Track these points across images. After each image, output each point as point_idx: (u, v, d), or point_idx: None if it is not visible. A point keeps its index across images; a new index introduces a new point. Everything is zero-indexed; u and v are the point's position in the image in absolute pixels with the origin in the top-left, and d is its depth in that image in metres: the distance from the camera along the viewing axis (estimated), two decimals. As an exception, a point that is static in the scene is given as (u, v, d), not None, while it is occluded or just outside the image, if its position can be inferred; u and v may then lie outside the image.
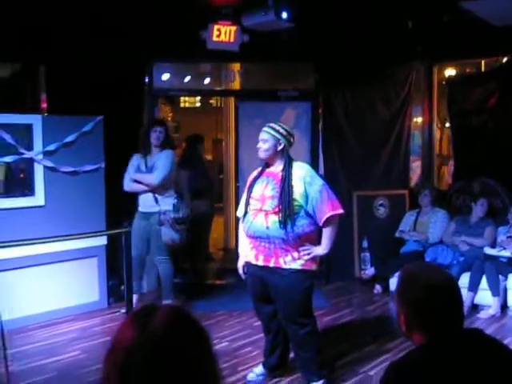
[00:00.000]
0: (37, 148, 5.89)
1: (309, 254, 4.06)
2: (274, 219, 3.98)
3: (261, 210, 4.05)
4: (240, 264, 4.38)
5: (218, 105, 13.15)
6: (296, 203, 3.99)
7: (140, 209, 6.07)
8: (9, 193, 5.83)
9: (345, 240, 7.47)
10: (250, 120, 7.34)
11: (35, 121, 5.93)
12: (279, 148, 4.11)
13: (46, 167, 5.92)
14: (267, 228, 3.99)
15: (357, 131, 7.57)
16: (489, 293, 6.09)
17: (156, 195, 5.89)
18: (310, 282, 4.17)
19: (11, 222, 5.65)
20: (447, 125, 8.31)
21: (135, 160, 6.04)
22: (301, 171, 4.09)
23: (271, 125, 4.20)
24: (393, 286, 6.78)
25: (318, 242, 4.18)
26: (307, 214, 4.04)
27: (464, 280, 6.18)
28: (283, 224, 3.94)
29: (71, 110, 6.03)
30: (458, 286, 2.07)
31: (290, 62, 7.40)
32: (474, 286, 6.17)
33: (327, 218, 4.02)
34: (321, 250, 4.13)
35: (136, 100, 7.01)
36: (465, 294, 5.96)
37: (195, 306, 6.13)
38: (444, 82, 8.12)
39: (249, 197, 4.17)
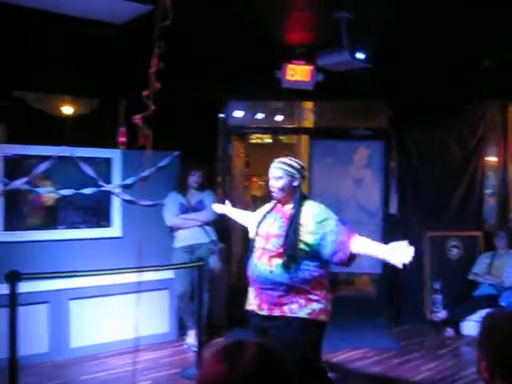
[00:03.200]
0: (115, 181, 6.12)
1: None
2: (277, 262, 3.61)
3: (264, 249, 3.69)
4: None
5: (289, 141, 13.23)
6: (303, 245, 3.61)
7: (182, 243, 6.20)
8: (87, 223, 6.06)
9: (416, 281, 7.37)
10: (322, 158, 7.39)
11: (115, 155, 6.18)
12: (295, 184, 3.77)
13: (123, 200, 6.13)
14: (270, 272, 3.63)
15: (430, 170, 7.47)
16: None
17: (204, 227, 6.13)
18: (317, 335, 3.71)
19: (88, 252, 5.87)
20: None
21: (174, 198, 6.23)
22: (313, 209, 3.71)
23: (282, 160, 3.84)
24: (466, 330, 6.61)
25: (330, 287, 3.83)
26: (315, 256, 3.65)
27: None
28: (286, 267, 3.57)
29: (147, 144, 6.21)
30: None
31: (363, 101, 7.41)
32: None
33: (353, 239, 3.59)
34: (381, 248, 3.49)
35: (211, 137, 7.16)
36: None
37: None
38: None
39: (256, 233, 3.83)
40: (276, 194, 3.78)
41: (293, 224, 3.63)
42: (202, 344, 5.53)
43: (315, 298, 3.66)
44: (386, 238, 7.45)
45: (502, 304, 6.52)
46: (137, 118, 3.23)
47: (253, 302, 3.80)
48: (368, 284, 8.23)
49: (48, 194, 5.79)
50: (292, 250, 3.57)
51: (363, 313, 7.08)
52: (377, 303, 7.55)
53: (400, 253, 3.33)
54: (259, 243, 3.74)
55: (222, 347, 1.40)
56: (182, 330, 6.50)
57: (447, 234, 7.48)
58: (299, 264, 3.60)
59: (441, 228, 7.44)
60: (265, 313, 3.70)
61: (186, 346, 6.21)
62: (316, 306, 3.64)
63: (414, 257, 3.31)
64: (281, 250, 3.60)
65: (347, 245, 3.58)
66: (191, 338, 6.17)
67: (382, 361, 5.88)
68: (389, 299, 7.50)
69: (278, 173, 3.76)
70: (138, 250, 3.52)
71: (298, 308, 3.63)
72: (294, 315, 3.62)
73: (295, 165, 3.81)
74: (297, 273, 3.59)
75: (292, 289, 3.62)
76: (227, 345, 1.39)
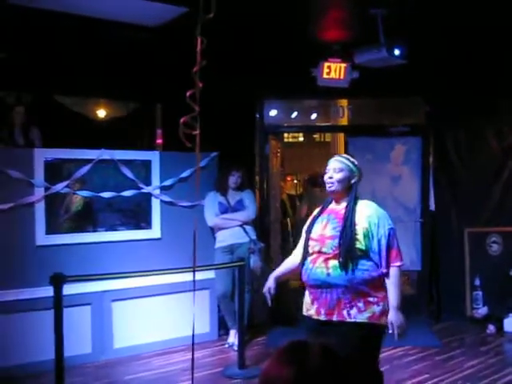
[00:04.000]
0: (154, 183, 6.17)
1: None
2: (334, 264, 3.47)
3: (320, 252, 3.54)
4: (268, 282, 3.95)
5: (321, 139, 13.22)
6: (359, 244, 3.47)
7: (222, 244, 6.24)
8: (127, 225, 6.13)
9: (456, 278, 7.32)
10: (359, 155, 7.34)
11: (153, 157, 6.22)
12: (352, 181, 3.64)
13: (162, 201, 6.18)
14: (328, 275, 3.47)
15: (468, 166, 7.39)
16: None
17: (244, 227, 6.14)
18: (378, 340, 3.55)
19: (128, 254, 5.95)
20: None
21: (214, 198, 6.27)
22: (367, 209, 3.57)
23: (344, 155, 3.81)
24: (508, 327, 6.53)
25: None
26: (372, 256, 3.51)
27: None
28: (344, 268, 3.43)
29: (186, 146, 6.26)
30: None
31: (399, 97, 7.36)
32: None
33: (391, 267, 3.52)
34: (393, 305, 3.50)
35: (248, 137, 7.19)
36: None
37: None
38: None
39: (308, 238, 3.66)
40: (333, 185, 3.63)
41: (347, 223, 3.49)
42: (243, 343, 5.57)
43: (375, 300, 3.49)
44: (425, 234, 7.45)
45: (545, 300, 6.44)
46: (184, 120, 3.24)
47: (310, 307, 3.64)
48: (408, 281, 8.17)
49: (88, 196, 5.85)
50: (348, 249, 3.44)
51: (403, 310, 7.02)
52: (417, 300, 7.49)
53: (395, 323, 3.48)
54: (313, 247, 3.60)
55: (282, 349, 1.38)
56: (222, 330, 6.55)
57: (487, 229, 7.39)
58: (357, 264, 3.46)
59: (480, 224, 7.36)
60: (322, 318, 3.53)
61: (227, 346, 6.25)
62: (376, 308, 3.48)
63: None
64: (337, 252, 3.46)
65: (385, 267, 3.50)
66: (232, 337, 6.21)
67: (425, 358, 5.85)
68: (429, 296, 7.45)
69: (339, 165, 3.64)
70: (194, 250, 3.56)
71: (358, 312, 3.46)
72: (353, 320, 3.46)
73: (356, 163, 3.73)
74: (355, 273, 3.45)
75: (351, 291, 3.46)
76: (288, 346, 1.38)
